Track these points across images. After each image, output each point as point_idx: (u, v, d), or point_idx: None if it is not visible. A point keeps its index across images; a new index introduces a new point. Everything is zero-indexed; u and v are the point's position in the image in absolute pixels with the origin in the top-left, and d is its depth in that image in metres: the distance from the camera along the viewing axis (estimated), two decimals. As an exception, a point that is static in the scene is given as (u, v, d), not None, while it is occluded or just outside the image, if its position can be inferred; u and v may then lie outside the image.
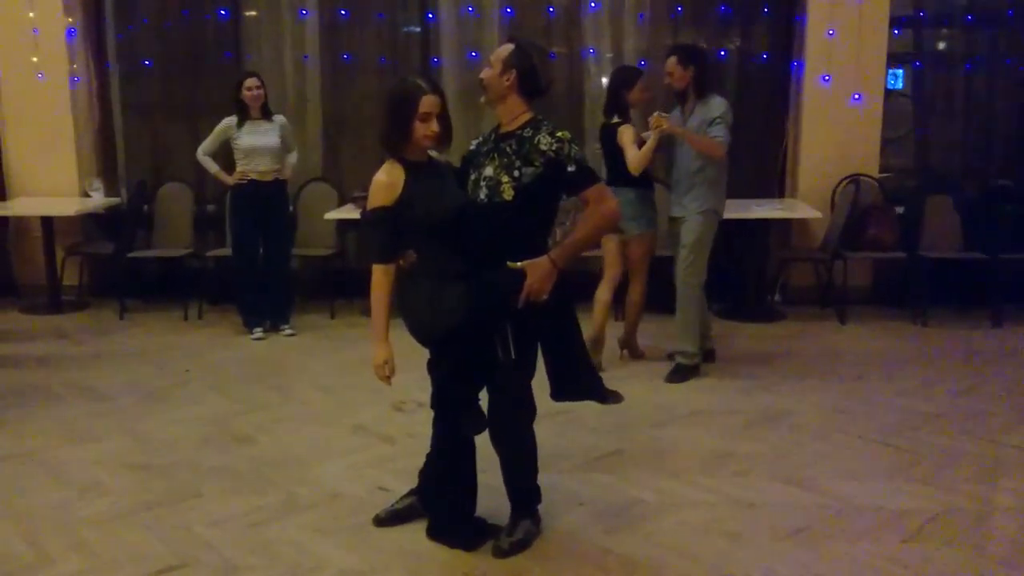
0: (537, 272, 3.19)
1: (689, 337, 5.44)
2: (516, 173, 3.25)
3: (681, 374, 5.44)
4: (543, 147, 3.23)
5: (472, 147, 3.50)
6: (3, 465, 4.35)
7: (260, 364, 5.96)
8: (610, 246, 5.53)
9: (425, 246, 3.25)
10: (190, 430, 4.78)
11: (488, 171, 3.31)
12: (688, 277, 5.36)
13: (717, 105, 5.22)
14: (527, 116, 3.34)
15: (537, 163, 3.23)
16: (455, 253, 3.26)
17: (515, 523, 3.52)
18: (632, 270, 5.59)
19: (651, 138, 5.15)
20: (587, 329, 5.61)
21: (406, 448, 4.38)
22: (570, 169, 3.23)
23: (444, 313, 3.22)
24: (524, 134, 3.28)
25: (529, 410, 3.47)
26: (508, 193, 3.25)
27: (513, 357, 3.30)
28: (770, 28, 7.34)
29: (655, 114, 5.16)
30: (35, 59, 7.27)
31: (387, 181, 3.19)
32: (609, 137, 5.41)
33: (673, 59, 5.30)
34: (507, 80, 3.31)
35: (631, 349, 5.87)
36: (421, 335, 3.32)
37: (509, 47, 3.37)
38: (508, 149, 3.29)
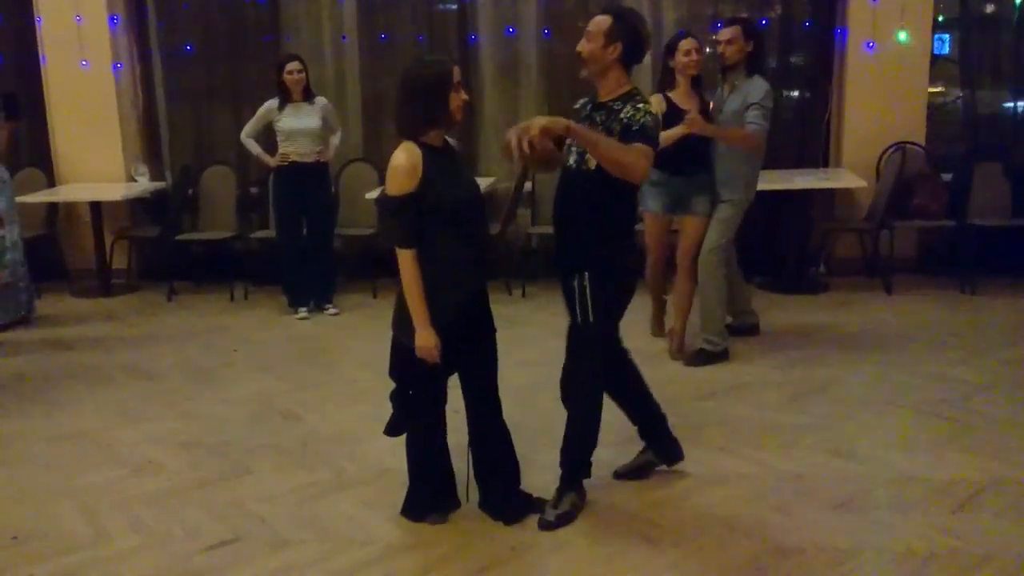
0: (556, 118, 3.17)
1: (709, 324, 5.26)
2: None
3: (702, 358, 5.25)
4: (622, 116, 3.28)
5: (577, 106, 3.52)
6: (60, 445, 4.47)
7: (305, 343, 6.03)
8: (649, 225, 5.42)
9: (433, 233, 3.24)
10: (239, 409, 4.86)
11: None
12: (710, 254, 5.18)
13: (758, 88, 4.99)
14: (625, 88, 3.36)
15: (616, 132, 3.27)
16: (462, 243, 3.28)
17: (561, 496, 3.55)
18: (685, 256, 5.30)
19: (678, 131, 4.86)
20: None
21: (451, 423, 4.40)
22: (634, 128, 3.25)
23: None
24: (615, 106, 3.32)
25: (596, 377, 3.53)
26: (592, 163, 3.30)
27: (591, 319, 3.36)
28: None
29: (693, 115, 4.87)
30: (79, 47, 7.37)
31: (409, 164, 3.17)
32: None
33: (738, 28, 5.07)
34: (612, 53, 3.33)
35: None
36: (401, 334, 3.34)
37: (608, 19, 3.33)
38: (598, 119, 3.35)
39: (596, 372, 3.54)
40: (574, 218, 3.42)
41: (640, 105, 3.30)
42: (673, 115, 5.00)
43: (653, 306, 5.79)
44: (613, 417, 4.44)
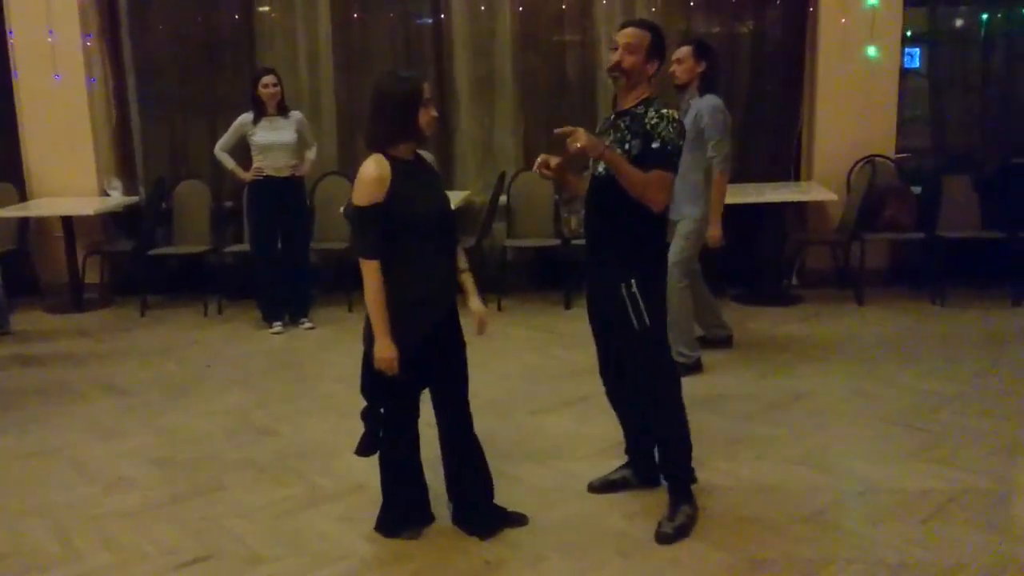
0: (591, 139, 3.26)
1: (679, 337, 5.24)
2: (627, 146, 3.36)
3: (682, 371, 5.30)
4: (647, 122, 3.34)
5: (598, 129, 3.59)
6: (31, 462, 4.43)
7: (280, 358, 6.02)
8: None
9: (405, 248, 3.25)
10: (213, 424, 4.84)
11: None
12: (672, 268, 5.08)
13: (709, 107, 5.05)
14: (646, 94, 3.44)
15: (640, 135, 3.34)
16: (434, 257, 3.31)
17: (676, 508, 3.55)
18: None
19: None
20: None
21: (426, 437, 4.41)
22: (654, 145, 3.32)
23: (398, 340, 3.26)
24: (637, 111, 3.39)
25: (670, 374, 3.57)
26: None
27: (647, 322, 3.41)
28: (784, 9, 7.30)
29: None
30: (52, 60, 7.33)
31: (377, 175, 3.19)
32: None
33: (689, 49, 5.16)
34: (651, 69, 3.43)
35: None
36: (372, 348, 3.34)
37: (648, 35, 3.40)
38: (622, 124, 3.41)
39: (669, 374, 3.57)
40: (612, 225, 3.44)
41: (664, 112, 3.35)
42: None
43: None
44: (591, 430, 4.49)
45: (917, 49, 7.63)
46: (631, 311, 3.41)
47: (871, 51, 6.93)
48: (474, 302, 3.48)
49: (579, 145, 3.23)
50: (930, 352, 5.64)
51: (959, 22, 7.55)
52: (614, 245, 3.45)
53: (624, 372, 3.63)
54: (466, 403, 3.51)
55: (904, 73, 7.25)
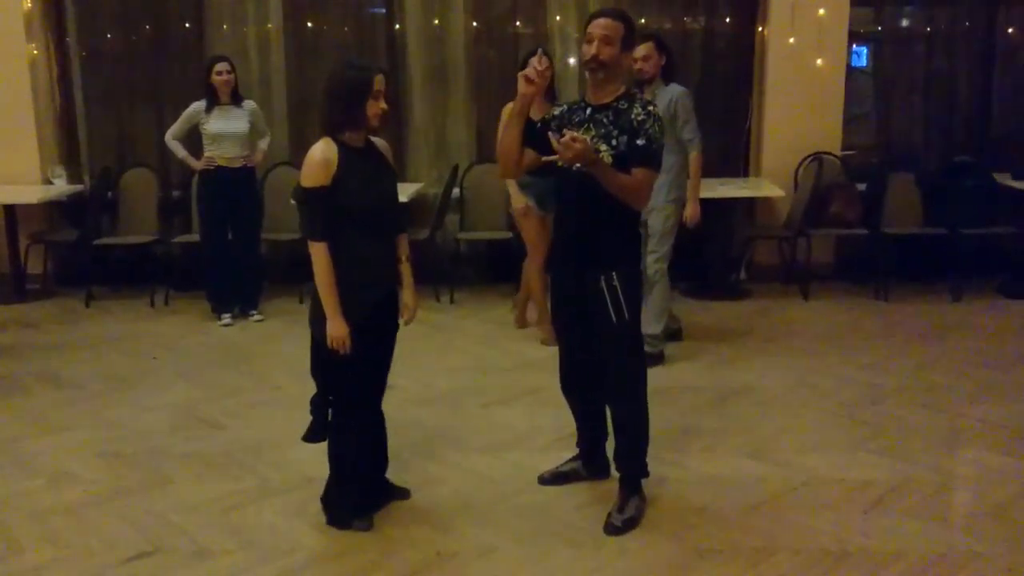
0: (589, 150, 3.18)
1: (661, 322, 5.40)
2: (614, 142, 3.33)
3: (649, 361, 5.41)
4: (634, 117, 3.32)
5: (556, 112, 3.53)
6: (-29, 456, 4.34)
7: (229, 350, 5.95)
8: (531, 224, 5.63)
9: (346, 233, 3.29)
10: (160, 417, 4.77)
11: None
12: (659, 263, 5.32)
13: (680, 93, 5.20)
14: (622, 90, 3.42)
15: (626, 131, 3.32)
16: (374, 243, 3.35)
17: (626, 500, 3.57)
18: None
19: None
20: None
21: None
22: (639, 142, 3.31)
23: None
24: (620, 106, 3.36)
25: (643, 370, 3.58)
26: (607, 160, 3.31)
27: (626, 316, 3.42)
28: (734, 6, 7.38)
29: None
30: (-7, 45, 7.17)
31: (323, 158, 3.24)
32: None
33: (652, 44, 5.24)
34: (626, 60, 3.41)
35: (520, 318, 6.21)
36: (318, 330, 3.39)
37: (622, 26, 3.35)
38: (605, 120, 3.37)
39: (642, 369, 3.59)
40: (593, 221, 3.41)
41: (651, 108, 3.35)
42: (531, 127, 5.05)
43: (520, 297, 6.17)
44: (542, 422, 4.52)
45: (864, 48, 7.77)
46: (610, 305, 3.42)
47: (818, 50, 7.03)
48: (407, 294, 3.55)
49: (578, 147, 3.11)
50: (873, 345, 5.76)
51: (905, 22, 7.70)
52: (595, 240, 3.43)
53: (593, 369, 3.62)
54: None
55: (850, 71, 7.37)
